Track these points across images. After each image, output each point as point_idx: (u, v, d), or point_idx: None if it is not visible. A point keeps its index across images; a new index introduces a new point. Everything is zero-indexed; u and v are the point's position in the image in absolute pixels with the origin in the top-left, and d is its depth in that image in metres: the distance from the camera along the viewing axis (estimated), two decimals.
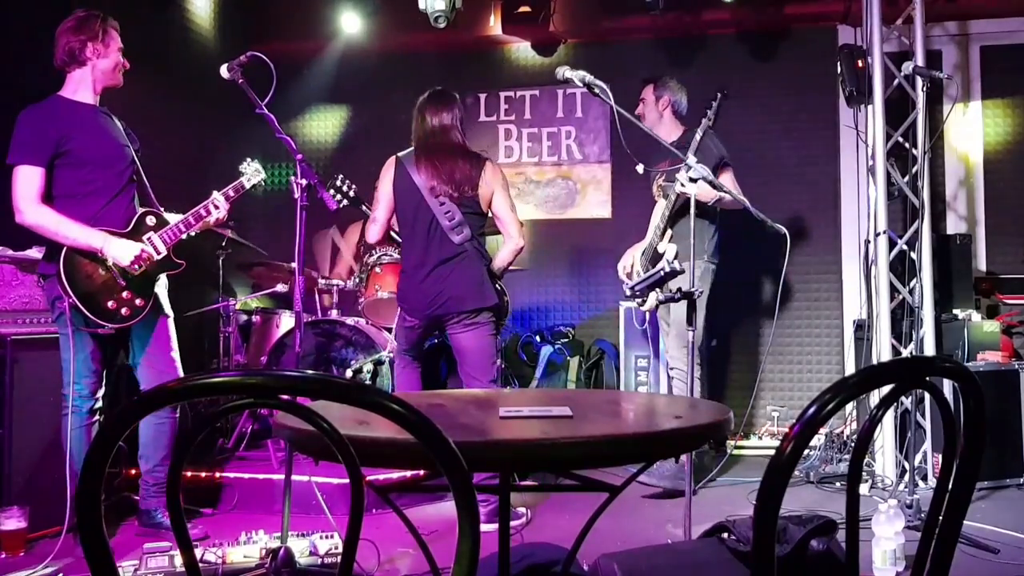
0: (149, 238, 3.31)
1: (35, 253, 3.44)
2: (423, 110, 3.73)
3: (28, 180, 3.11)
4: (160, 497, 3.40)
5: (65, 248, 3.13)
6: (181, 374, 3.47)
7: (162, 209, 3.42)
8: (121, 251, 3.19)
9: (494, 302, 3.64)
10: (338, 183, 4.27)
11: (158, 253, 3.31)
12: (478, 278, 3.62)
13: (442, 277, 3.59)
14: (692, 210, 3.22)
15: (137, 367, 3.40)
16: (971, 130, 5.38)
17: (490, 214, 3.77)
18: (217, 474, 3.88)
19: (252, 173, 3.53)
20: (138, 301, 3.26)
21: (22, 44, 3.95)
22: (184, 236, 3.37)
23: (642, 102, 4.49)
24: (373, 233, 3.78)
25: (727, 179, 4.19)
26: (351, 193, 4.29)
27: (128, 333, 3.34)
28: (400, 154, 3.74)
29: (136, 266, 3.22)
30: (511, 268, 3.89)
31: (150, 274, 3.30)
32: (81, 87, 3.27)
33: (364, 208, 4.26)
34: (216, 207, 3.40)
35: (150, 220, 3.35)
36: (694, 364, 3.24)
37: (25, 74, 3.88)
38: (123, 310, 3.22)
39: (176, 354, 3.43)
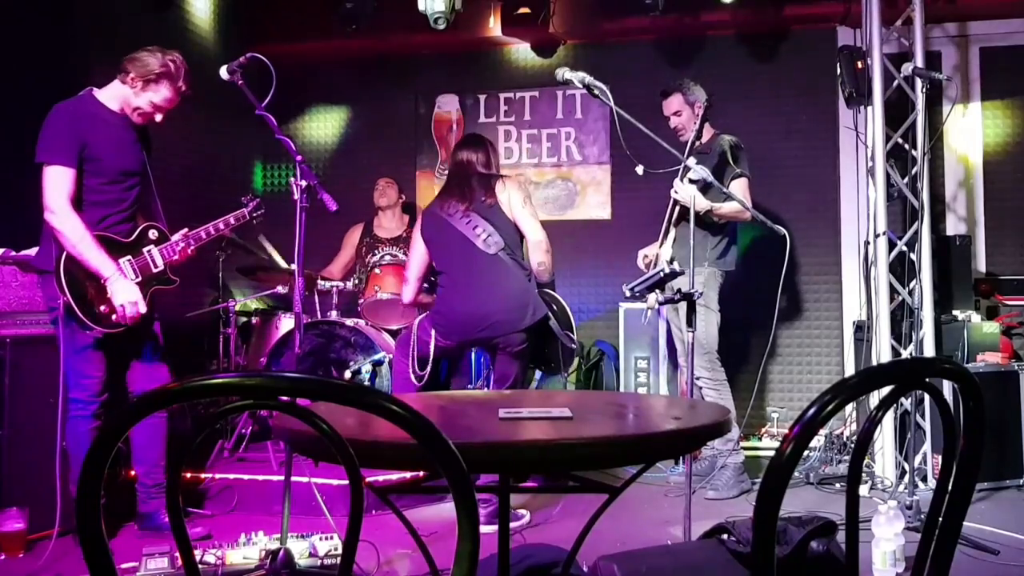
0: (149, 251, 3.33)
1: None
2: (453, 152, 3.91)
3: (60, 181, 3.10)
4: (159, 499, 3.40)
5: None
6: (170, 378, 3.48)
7: (166, 227, 3.42)
8: (122, 294, 3.17)
9: (544, 313, 3.65)
10: None
11: (156, 267, 3.33)
12: (522, 291, 3.63)
13: (484, 294, 3.59)
14: (692, 211, 3.23)
15: (127, 371, 3.40)
16: (970, 131, 5.38)
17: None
18: (217, 476, 3.88)
19: (253, 207, 3.54)
20: None
21: (26, 45, 3.95)
22: (186, 254, 3.40)
23: (676, 116, 4.30)
24: (407, 293, 3.89)
25: (736, 188, 4.07)
26: None
27: (121, 339, 3.32)
28: (431, 204, 3.87)
29: (123, 312, 3.16)
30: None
31: (144, 286, 3.29)
32: (114, 97, 3.30)
33: None
34: (216, 231, 3.46)
35: (152, 234, 3.37)
36: (693, 365, 3.24)
37: (29, 75, 3.87)
38: (114, 316, 3.20)
39: (164, 365, 3.45)
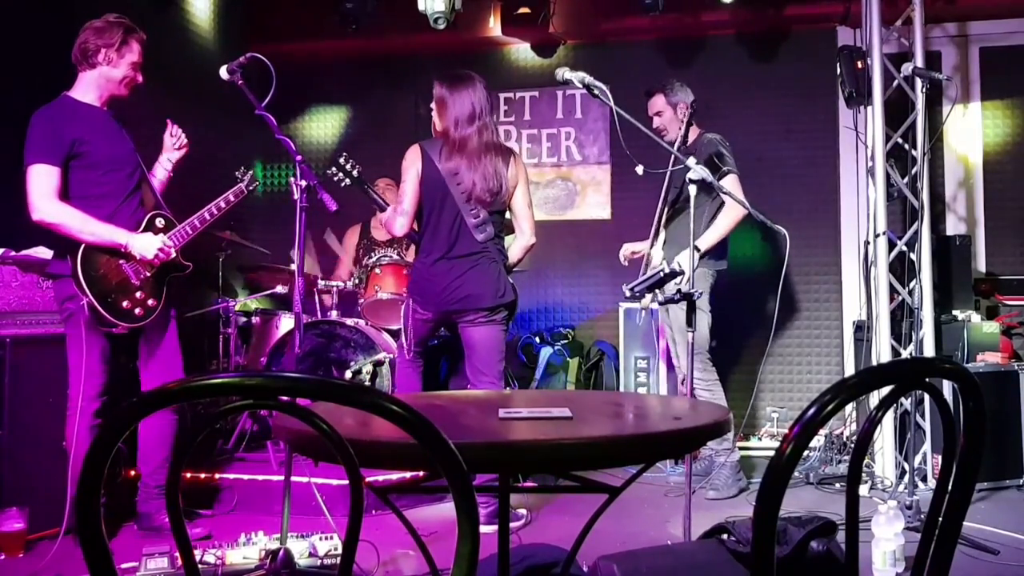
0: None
1: (40, 252, 3.43)
2: (447, 96, 3.61)
3: (44, 178, 3.10)
4: (160, 499, 3.40)
5: (82, 247, 3.13)
6: (184, 375, 3.49)
7: (169, 212, 3.43)
8: (146, 245, 3.23)
9: (511, 298, 3.61)
10: (341, 161, 3.96)
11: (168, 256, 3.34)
12: (496, 276, 3.57)
13: (460, 274, 3.53)
14: (692, 210, 3.22)
15: (143, 368, 3.40)
16: (970, 131, 5.38)
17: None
18: (217, 475, 3.88)
19: (249, 180, 3.60)
20: (151, 301, 3.29)
21: (25, 45, 3.95)
22: (191, 238, 3.41)
23: (658, 116, 4.33)
24: (401, 225, 3.58)
25: (729, 185, 4.08)
26: (355, 173, 3.97)
27: (136, 333, 3.35)
28: (424, 143, 3.63)
29: (159, 260, 3.26)
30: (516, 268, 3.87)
31: (160, 275, 3.32)
32: (89, 89, 3.28)
33: (368, 190, 4.01)
34: (219, 210, 3.45)
35: (159, 222, 3.38)
36: (692, 366, 3.24)
37: (29, 75, 3.87)
38: (137, 310, 3.24)
39: (180, 355, 3.46)
